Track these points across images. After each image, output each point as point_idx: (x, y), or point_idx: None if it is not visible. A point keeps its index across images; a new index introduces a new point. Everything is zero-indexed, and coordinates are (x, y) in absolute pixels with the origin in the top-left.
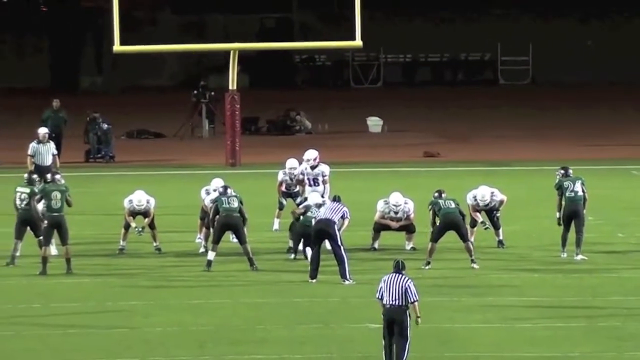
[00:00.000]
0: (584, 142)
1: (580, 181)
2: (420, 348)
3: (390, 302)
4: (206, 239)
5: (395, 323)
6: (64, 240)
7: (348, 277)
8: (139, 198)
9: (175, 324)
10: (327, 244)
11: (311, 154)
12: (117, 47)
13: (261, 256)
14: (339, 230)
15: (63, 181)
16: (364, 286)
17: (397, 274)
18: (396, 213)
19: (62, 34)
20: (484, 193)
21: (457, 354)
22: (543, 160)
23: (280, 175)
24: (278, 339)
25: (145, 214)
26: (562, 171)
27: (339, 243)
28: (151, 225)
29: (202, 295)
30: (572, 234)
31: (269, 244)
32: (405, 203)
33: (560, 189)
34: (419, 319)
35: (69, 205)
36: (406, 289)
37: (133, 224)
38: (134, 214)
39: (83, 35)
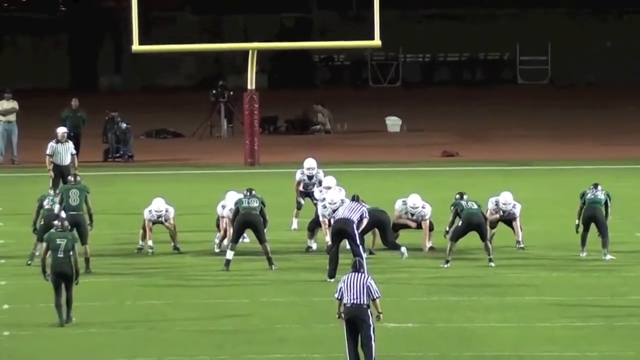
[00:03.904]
0: (603, 142)
1: (605, 191)
2: (439, 347)
3: (352, 301)
4: (221, 240)
5: (357, 322)
6: (83, 239)
7: (365, 268)
8: (158, 205)
9: (194, 324)
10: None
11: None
12: (136, 47)
13: (280, 255)
14: (357, 229)
15: (83, 182)
16: (382, 285)
17: (356, 273)
18: (412, 215)
19: (81, 33)
20: (506, 198)
21: (476, 354)
22: (562, 160)
23: (298, 175)
24: (296, 338)
25: (164, 221)
26: (592, 187)
27: (358, 242)
28: (169, 228)
29: (221, 294)
30: (593, 236)
31: (287, 243)
32: (423, 207)
33: (583, 196)
34: (381, 315)
35: (89, 212)
36: (368, 286)
37: (149, 242)
38: (154, 222)
39: (102, 35)
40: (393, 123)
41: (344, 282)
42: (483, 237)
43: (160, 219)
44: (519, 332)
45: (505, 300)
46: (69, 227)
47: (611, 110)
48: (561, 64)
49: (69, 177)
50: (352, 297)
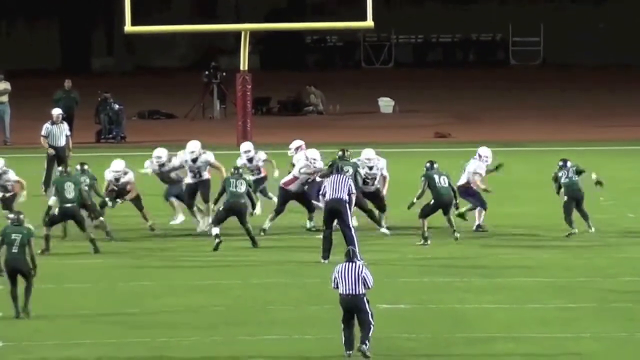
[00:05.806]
0: (595, 123)
1: (574, 167)
2: (431, 329)
3: (348, 292)
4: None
5: (354, 311)
6: (82, 228)
7: (358, 257)
8: (116, 166)
9: (186, 305)
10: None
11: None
12: (129, 28)
13: (272, 236)
14: (349, 207)
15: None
16: (373, 266)
17: (350, 263)
18: (370, 168)
19: (73, 14)
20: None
21: (468, 335)
22: (554, 141)
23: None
24: (289, 319)
25: (124, 188)
26: (561, 162)
27: (349, 224)
28: (138, 206)
29: (213, 276)
30: (581, 223)
31: (279, 223)
32: (378, 160)
33: (556, 180)
34: None
35: (86, 202)
36: (364, 277)
37: (110, 203)
38: (113, 189)
39: (94, 16)
40: (386, 104)
41: (338, 272)
42: (446, 212)
43: (118, 178)
44: (511, 314)
45: (496, 282)
46: (24, 221)
47: (603, 91)
48: (554, 45)
49: (77, 166)
50: (347, 288)
